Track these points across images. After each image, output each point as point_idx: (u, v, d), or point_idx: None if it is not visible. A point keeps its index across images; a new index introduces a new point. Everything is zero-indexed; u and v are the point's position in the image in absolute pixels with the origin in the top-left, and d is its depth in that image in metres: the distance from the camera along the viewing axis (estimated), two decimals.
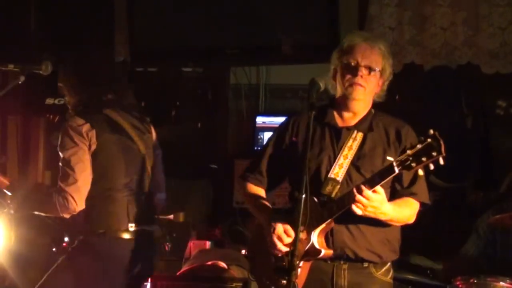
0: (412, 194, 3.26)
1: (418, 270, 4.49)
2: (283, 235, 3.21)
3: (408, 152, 2.94)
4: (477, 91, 5.57)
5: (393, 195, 3.26)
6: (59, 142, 3.73)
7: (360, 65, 3.24)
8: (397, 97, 5.57)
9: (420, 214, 3.30)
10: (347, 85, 3.26)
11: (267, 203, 3.43)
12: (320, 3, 5.46)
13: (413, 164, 2.93)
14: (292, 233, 3.19)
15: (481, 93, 5.57)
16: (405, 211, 3.24)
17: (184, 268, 4.66)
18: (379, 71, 3.28)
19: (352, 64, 3.25)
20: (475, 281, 3.84)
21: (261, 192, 3.49)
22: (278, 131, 3.49)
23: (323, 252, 3.17)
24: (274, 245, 3.23)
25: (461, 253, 4.51)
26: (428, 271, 4.56)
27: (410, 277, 4.28)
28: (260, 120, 5.76)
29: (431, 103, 5.65)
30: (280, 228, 3.22)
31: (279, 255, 3.26)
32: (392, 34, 5.39)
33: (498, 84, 5.31)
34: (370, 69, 3.25)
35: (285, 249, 3.21)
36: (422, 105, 5.67)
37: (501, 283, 3.80)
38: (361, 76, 3.24)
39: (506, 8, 5.15)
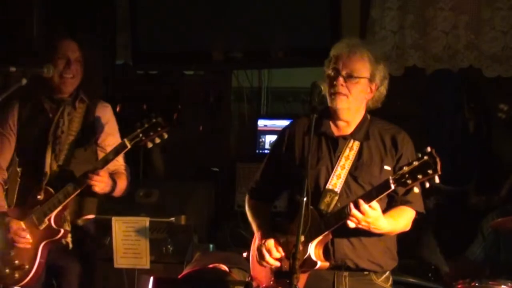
0: (407, 203, 3.25)
1: (420, 272, 4.49)
2: (273, 249, 3.25)
3: (405, 168, 2.95)
4: (479, 94, 5.56)
5: (389, 203, 3.26)
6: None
7: (340, 74, 3.22)
8: (398, 101, 5.56)
9: (422, 217, 3.31)
10: (330, 94, 3.25)
11: (264, 214, 3.45)
12: (322, 6, 5.47)
13: (409, 181, 2.94)
14: (281, 251, 3.24)
15: (483, 96, 5.56)
16: (401, 222, 3.23)
17: (186, 271, 4.65)
18: (367, 78, 3.25)
19: (332, 74, 3.24)
20: (477, 284, 3.83)
21: (262, 205, 3.51)
22: (275, 142, 3.51)
23: (319, 264, 3.18)
24: (263, 256, 3.26)
25: (466, 256, 4.50)
26: (430, 274, 4.55)
27: (412, 280, 4.27)
28: (262, 123, 5.76)
29: (433, 107, 5.65)
30: (271, 242, 3.26)
31: (265, 267, 3.29)
32: (394, 37, 5.39)
33: (500, 87, 5.30)
34: (351, 77, 3.22)
35: (272, 261, 3.24)
36: (424, 109, 5.66)
37: (503, 287, 3.78)
38: (341, 85, 3.22)
39: (508, 12, 5.16)
